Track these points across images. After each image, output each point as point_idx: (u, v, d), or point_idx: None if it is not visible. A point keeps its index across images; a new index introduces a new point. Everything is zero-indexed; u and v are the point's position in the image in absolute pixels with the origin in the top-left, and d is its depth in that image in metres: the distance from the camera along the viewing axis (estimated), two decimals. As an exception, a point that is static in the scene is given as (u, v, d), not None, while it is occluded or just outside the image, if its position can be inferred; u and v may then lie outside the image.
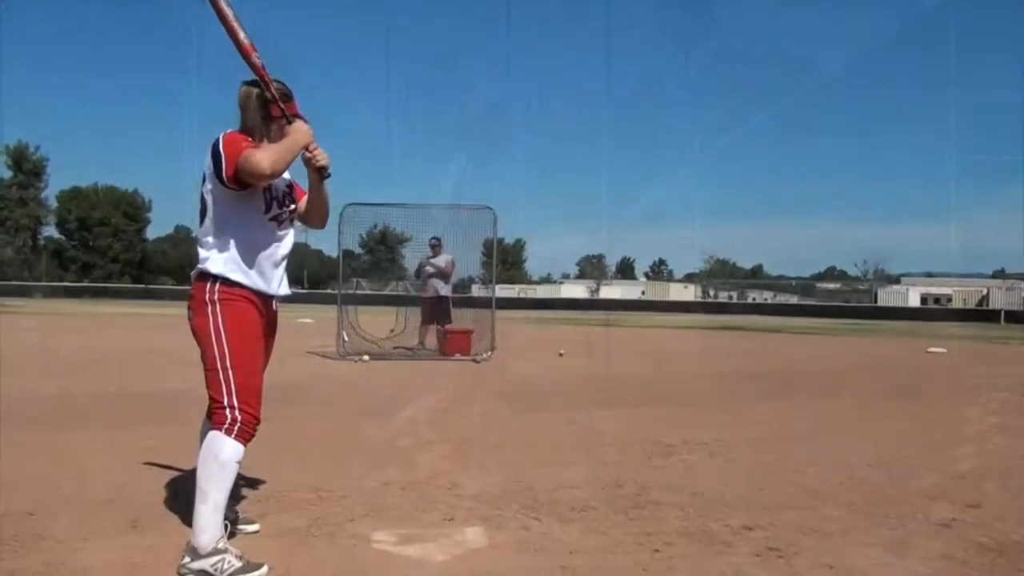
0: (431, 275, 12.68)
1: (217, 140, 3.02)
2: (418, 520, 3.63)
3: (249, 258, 3.08)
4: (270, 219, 3.14)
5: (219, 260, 3.06)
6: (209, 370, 3.04)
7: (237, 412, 2.99)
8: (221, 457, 2.96)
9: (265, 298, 3.14)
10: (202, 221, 3.10)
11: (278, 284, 3.19)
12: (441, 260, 12.72)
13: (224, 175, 2.96)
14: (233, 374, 3.01)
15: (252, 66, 3.06)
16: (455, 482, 4.32)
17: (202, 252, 3.09)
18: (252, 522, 3.46)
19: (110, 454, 4.86)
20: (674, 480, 4.46)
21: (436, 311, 12.74)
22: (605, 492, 4.17)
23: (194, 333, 3.11)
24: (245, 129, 3.12)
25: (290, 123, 3.10)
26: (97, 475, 4.32)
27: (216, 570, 2.87)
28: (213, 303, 3.04)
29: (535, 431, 5.98)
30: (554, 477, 4.47)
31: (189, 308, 3.13)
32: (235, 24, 3.02)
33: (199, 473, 2.98)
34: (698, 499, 4.06)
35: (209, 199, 3.06)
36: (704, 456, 5.13)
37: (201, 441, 3.08)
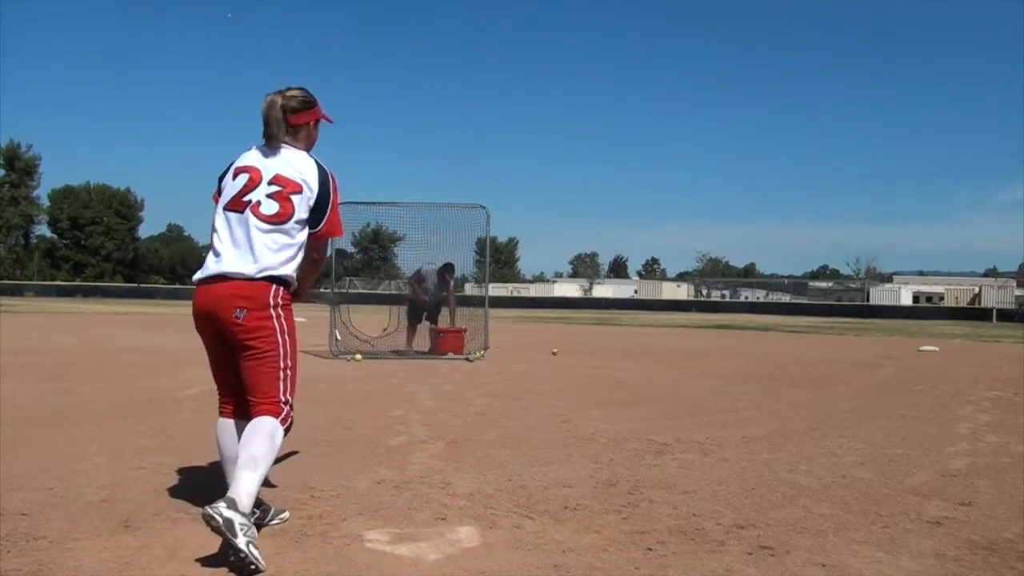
0: (439, 288, 12.85)
1: (329, 177, 3.40)
2: (411, 519, 3.62)
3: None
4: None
5: (286, 267, 3.30)
6: (272, 368, 3.26)
7: (290, 408, 3.31)
8: (276, 440, 3.18)
9: None
10: (281, 223, 3.28)
11: None
12: (451, 284, 13.03)
13: (322, 227, 3.38)
14: (291, 374, 3.32)
15: None
16: (448, 481, 4.32)
17: (269, 256, 3.25)
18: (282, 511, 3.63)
19: (102, 454, 4.84)
20: (667, 479, 4.46)
21: (433, 312, 12.92)
22: (598, 491, 4.17)
23: (247, 333, 3.22)
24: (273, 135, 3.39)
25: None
26: (90, 475, 4.30)
27: (242, 528, 2.86)
28: (278, 307, 3.27)
29: (528, 430, 5.98)
30: (547, 476, 4.48)
31: (240, 309, 3.21)
32: None
33: (255, 447, 3.11)
34: (691, 498, 4.06)
35: (297, 211, 3.31)
36: (697, 455, 5.14)
37: (221, 435, 3.40)
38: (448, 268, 12.81)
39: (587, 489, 4.20)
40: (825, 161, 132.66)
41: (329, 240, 3.60)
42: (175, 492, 3.96)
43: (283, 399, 3.27)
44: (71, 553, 3.07)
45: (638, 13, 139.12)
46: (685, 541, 3.37)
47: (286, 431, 3.26)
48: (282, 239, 3.28)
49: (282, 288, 3.30)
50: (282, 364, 3.27)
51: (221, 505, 2.89)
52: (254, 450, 3.10)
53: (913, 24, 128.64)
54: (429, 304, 12.84)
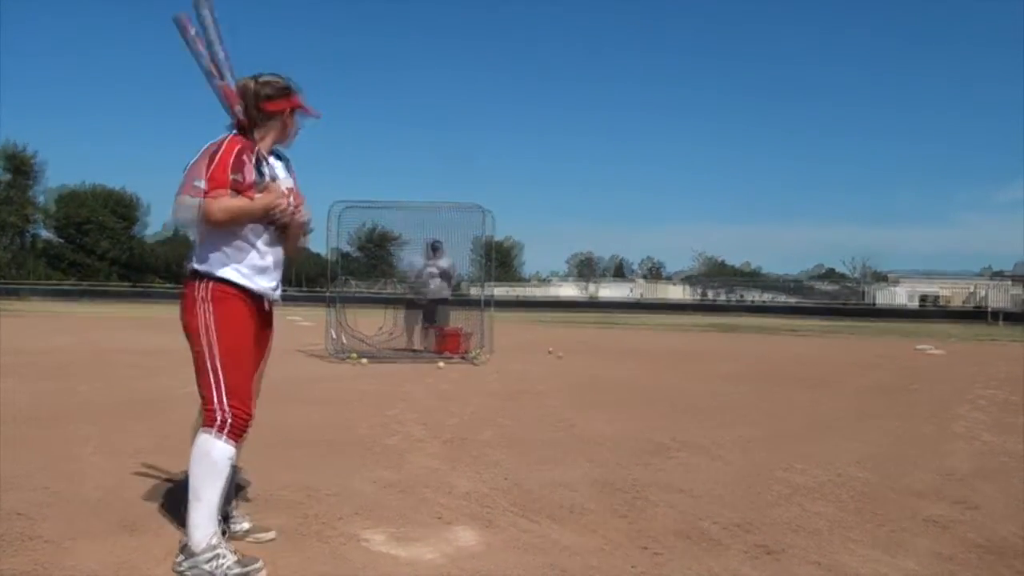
0: (433, 276, 12.77)
1: (209, 147, 3.01)
2: (408, 519, 3.62)
3: (238, 257, 3.05)
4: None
5: (208, 258, 3.04)
6: (199, 369, 3.02)
7: (227, 412, 2.96)
8: (213, 456, 2.93)
9: (256, 297, 3.10)
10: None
11: (268, 283, 3.14)
12: (444, 262, 12.87)
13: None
14: (224, 373, 2.98)
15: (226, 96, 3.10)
16: (446, 481, 4.32)
17: (197, 249, 3.07)
18: (267, 530, 3.37)
19: (100, 453, 4.83)
20: (666, 479, 4.46)
21: (436, 313, 12.84)
22: (596, 491, 4.17)
23: (185, 331, 3.08)
24: (242, 124, 3.10)
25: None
26: (87, 475, 4.30)
27: (213, 567, 2.85)
28: (204, 301, 3.01)
29: (525, 430, 5.98)
30: (545, 475, 4.48)
31: (181, 306, 3.10)
32: (206, 58, 3.05)
33: (191, 476, 2.95)
34: (690, 498, 4.06)
35: None
36: (696, 455, 5.14)
37: (193, 440, 3.05)
38: (435, 245, 12.78)
39: (585, 489, 4.20)
40: (824, 161, 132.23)
41: (179, 208, 2.98)
42: (172, 492, 3.94)
43: (216, 403, 2.98)
44: (68, 553, 3.07)
45: (638, 13, 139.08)
46: (683, 541, 3.37)
47: (232, 436, 2.97)
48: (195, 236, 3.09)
49: (211, 282, 3.02)
50: (209, 365, 2.98)
51: (181, 559, 2.90)
52: (191, 479, 2.95)
53: (912, 23, 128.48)
54: (427, 304, 12.82)
